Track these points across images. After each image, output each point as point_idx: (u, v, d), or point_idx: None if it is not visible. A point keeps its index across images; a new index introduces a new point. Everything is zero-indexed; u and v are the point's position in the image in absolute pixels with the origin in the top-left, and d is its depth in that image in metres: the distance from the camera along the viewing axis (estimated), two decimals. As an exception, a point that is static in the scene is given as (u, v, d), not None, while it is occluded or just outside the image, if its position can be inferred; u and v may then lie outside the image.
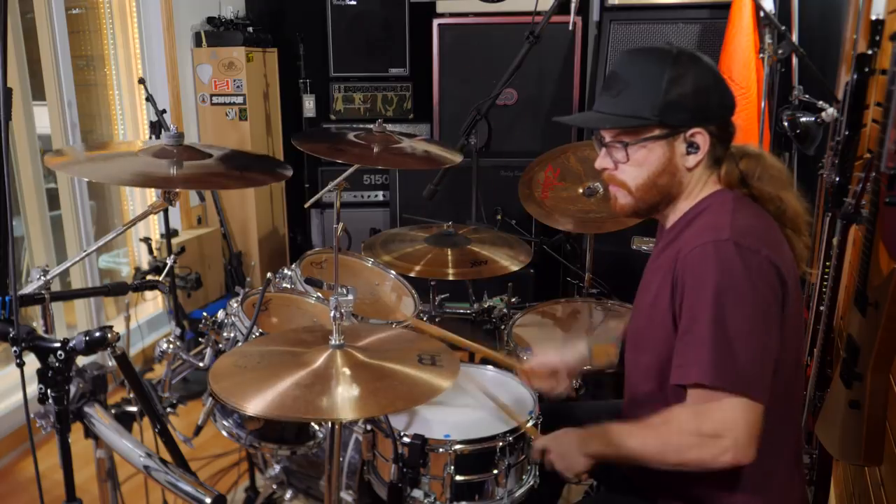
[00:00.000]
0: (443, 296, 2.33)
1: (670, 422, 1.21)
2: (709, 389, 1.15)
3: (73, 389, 1.27)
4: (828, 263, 1.97)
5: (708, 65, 1.28)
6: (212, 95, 3.81)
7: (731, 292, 1.15)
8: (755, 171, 1.31)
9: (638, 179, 1.31)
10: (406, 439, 1.50)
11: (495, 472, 1.53)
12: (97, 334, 1.22)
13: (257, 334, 1.78)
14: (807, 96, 2.32)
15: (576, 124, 1.28)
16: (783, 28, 2.45)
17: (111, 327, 1.24)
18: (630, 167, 1.30)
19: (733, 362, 1.14)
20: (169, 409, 2.34)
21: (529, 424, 1.57)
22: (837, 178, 1.69)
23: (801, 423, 1.36)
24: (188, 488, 1.20)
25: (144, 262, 3.23)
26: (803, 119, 2.23)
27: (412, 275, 2.04)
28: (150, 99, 2.90)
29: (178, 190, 1.45)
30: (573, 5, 2.47)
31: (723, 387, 1.14)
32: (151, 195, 3.62)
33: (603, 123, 1.32)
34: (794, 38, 2.71)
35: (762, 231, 1.25)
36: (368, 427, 1.60)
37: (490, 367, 1.86)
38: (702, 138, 1.26)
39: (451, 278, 2.01)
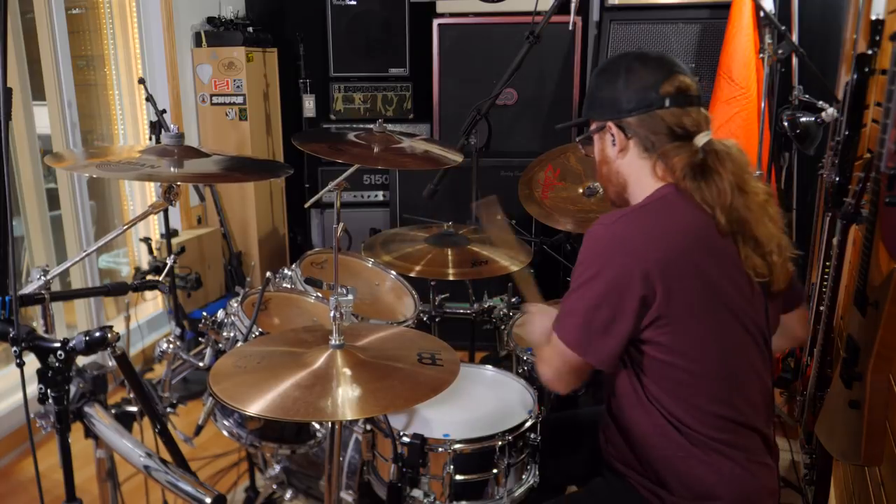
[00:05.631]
0: (443, 296, 2.33)
1: (549, 340, 1.40)
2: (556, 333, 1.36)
3: (73, 389, 1.27)
4: (828, 263, 1.97)
5: (624, 64, 1.37)
6: (212, 95, 3.81)
7: (588, 267, 1.30)
8: (701, 168, 1.31)
9: (597, 169, 1.49)
10: (405, 439, 1.50)
11: (495, 471, 1.53)
12: (97, 334, 1.22)
13: (257, 334, 1.78)
14: (807, 96, 2.32)
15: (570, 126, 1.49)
16: (783, 28, 2.45)
17: (111, 327, 1.24)
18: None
19: (564, 319, 1.34)
20: (169, 409, 2.33)
21: (529, 417, 1.57)
22: (837, 178, 1.69)
23: (756, 427, 1.36)
24: (188, 488, 1.20)
25: (144, 262, 3.23)
26: (803, 119, 2.23)
27: (412, 275, 2.04)
28: (150, 99, 2.90)
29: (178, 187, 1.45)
30: (573, 5, 2.46)
31: (553, 328, 1.36)
32: (151, 195, 3.63)
33: (569, 123, 1.50)
34: (794, 38, 2.71)
35: (665, 230, 1.28)
36: (368, 427, 1.60)
37: (489, 367, 1.87)
38: (615, 130, 1.38)
39: (451, 278, 2.01)
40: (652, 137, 1.34)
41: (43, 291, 1.28)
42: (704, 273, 1.28)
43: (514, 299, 2.28)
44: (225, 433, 1.85)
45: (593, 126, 1.44)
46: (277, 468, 1.98)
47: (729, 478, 1.32)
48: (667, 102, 1.32)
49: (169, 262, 1.66)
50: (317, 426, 1.84)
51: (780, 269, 1.34)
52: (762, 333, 1.37)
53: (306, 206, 2.26)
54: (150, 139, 3.14)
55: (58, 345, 1.20)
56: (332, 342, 1.26)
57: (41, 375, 1.23)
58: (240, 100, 3.78)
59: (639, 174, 1.38)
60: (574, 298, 1.32)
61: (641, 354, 1.32)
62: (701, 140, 1.33)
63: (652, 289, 1.24)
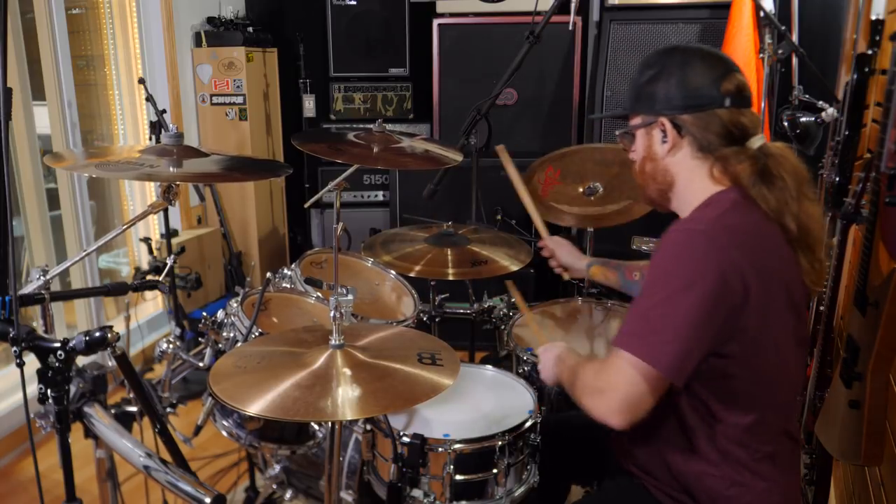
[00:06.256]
0: (443, 296, 2.32)
1: (587, 366, 1.32)
2: (616, 349, 1.22)
3: (73, 389, 1.27)
4: (828, 263, 1.97)
5: (680, 58, 1.31)
6: (212, 95, 3.81)
7: (678, 275, 1.20)
8: (765, 173, 1.28)
9: (636, 166, 1.41)
10: (405, 439, 1.50)
11: (495, 471, 1.53)
12: (97, 334, 1.22)
13: (257, 334, 1.78)
14: (807, 96, 2.31)
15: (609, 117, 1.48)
16: (783, 28, 2.44)
17: (111, 327, 1.24)
18: (633, 155, 1.42)
19: (649, 336, 1.19)
20: (169, 409, 2.34)
21: (529, 417, 1.57)
22: (837, 178, 1.68)
23: (789, 432, 1.34)
24: (188, 488, 1.20)
25: (144, 262, 3.23)
26: (803, 119, 2.23)
27: (412, 275, 2.04)
28: (150, 99, 2.90)
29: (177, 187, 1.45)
30: (573, 5, 2.46)
31: (624, 348, 1.20)
32: (151, 195, 3.63)
33: (605, 115, 1.47)
34: (794, 38, 2.71)
35: (747, 235, 1.24)
36: (368, 427, 1.60)
37: (489, 367, 1.87)
38: (669, 127, 1.31)
39: (451, 278, 2.01)
40: (707, 137, 1.29)
41: (43, 291, 1.28)
42: (781, 281, 1.25)
43: (514, 299, 2.28)
44: (224, 433, 1.85)
45: (638, 120, 1.37)
46: (277, 468, 1.98)
47: (762, 498, 1.29)
48: (727, 102, 1.28)
49: (169, 262, 1.66)
50: (316, 426, 1.84)
51: (823, 276, 1.32)
52: (807, 343, 1.35)
53: (306, 206, 2.26)
54: (150, 139, 3.14)
55: (58, 345, 1.20)
56: (332, 342, 1.26)
57: (41, 375, 1.22)
58: (240, 100, 3.78)
59: (691, 174, 1.33)
60: (660, 312, 1.19)
61: (706, 365, 1.22)
62: (756, 143, 1.30)
63: (744, 297, 1.19)
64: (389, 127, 1.95)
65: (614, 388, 1.21)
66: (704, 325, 1.17)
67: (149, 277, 2.92)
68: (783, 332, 1.27)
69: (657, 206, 1.45)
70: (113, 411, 1.37)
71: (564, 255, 2.01)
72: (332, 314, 1.27)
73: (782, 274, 1.26)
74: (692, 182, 1.33)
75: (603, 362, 1.26)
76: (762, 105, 2.54)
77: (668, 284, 1.20)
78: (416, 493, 1.51)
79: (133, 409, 1.57)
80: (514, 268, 2.02)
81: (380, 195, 4.02)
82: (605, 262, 1.92)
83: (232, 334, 1.87)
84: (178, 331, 2.95)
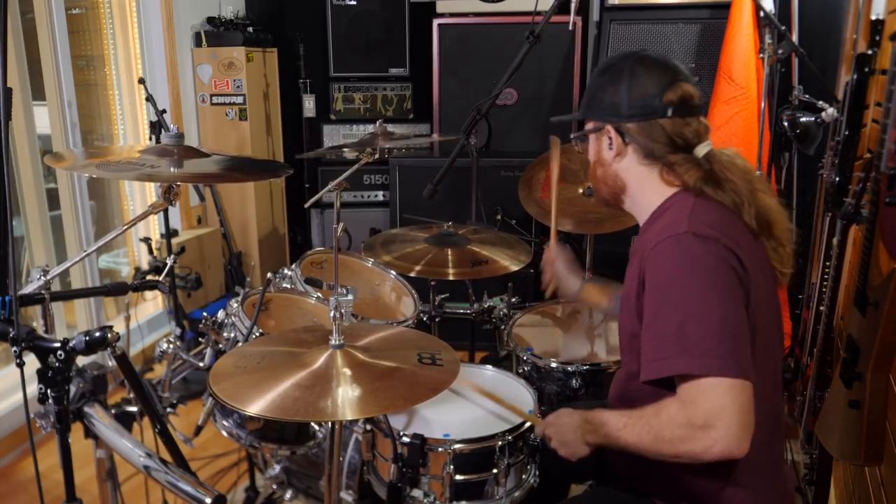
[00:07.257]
0: (443, 296, 2.33)
1: (661, 413, 1.20)
2: (691, 378, 1.15)
3: (73, 389, 1.27)
4: (828, 263, 1.97)
5: (630, 66, 1.33)
6: (212, 95, 3.81)
7: (692, 279, 1.19)
8: (712, 178, 1.30)
9: (590, 169, 1.45)
10: (405, 439, 1.50)
11: (495, 471, 1.53)
12: (97, 334, 1.22)
13: (257, 334, 1.78)
14: (807, 96, 2.32)
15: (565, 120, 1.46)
16: (783, 28, 2.45)
17: (111, 327, 1.24)
18: (589, 158, 1.46)
19: (706, 346, 1.14)
20: (169, 409, 2.34)
21: (529, 414, 1.57)
22: (837, 178, 1.69)
23: (780, 416, 1.37)
24: (188, 488, 1.20)
25: (144, 262, 3.23)
26: (803, 119, 2.23)
27: (412, 275, 2.04)
28: (150, 99, 2.90)
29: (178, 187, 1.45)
30: (573, 5, 2.46)
31: (702, 372, 1.13)
32: (151, 195, 3.63)
33: (563, 118, 1.59)
34: (794, 38, 2.71)
35: (721, 223, 1.26)
36: (368, 427, 1.60)
37: (489, 367, 1.87)
38: (614, 134, 1.35)
39: (451, 278, 2.01)
40: (651, 145, 1.32)
41: (43, 291, 1.28)
42: (757, 270, 1.26)
43: (514, 299, 2.28)
44: (224, 434, 1.85)
45: (590, 125, 1.42)
46: (277, 468, 1.98)
47: (760, 500, 1.30)
48: (669, 112, 1.30)
49: (169, 262, 1.66)
50: (316, 426, 1.84)
51: (790, 258, 1.35)
52: (783, 337, 1.36)
53: (306, 206, 2.26)
54: (150, 139, 3.14)
55: (58, 345, 1.20)
56: (332, 342, 1.26)
57: (41, 375, 1.22)
58: (240, 100, 3.78)
59: (642, 179, 1.36)
60: (694, 324, 1.15)
61: None
62: (702, 150, 1.32)
63: (746, 279, 1.21)
64: (389, 127, 1.95)
65: (721, 412, 1.11)
66: (739, 310, 1.18)
67: (149, 277, 2.92)
68: (768, 312, 1.29)
69: (612, 207, 1.47)
70: (113, 411, 1.37)
71: (564, 265, 1.85)
72: (332, 314, 1.27)
73: (756, 256, 1.29)
74: (644, 186, 1.37)
75: (683, 402, 1.16)
76: (762, 105, 2.54)
77: (689, 293, 1.18)
78: (416, 493, 1.52)
79: (133, 409, 1.57)
80: (514, 268, 2.03)
81: (380, 195, 4.01)
82: (605, 282, 1.82)
83: (232, 334, 1.87)
84: (178, 331, 2.95)
